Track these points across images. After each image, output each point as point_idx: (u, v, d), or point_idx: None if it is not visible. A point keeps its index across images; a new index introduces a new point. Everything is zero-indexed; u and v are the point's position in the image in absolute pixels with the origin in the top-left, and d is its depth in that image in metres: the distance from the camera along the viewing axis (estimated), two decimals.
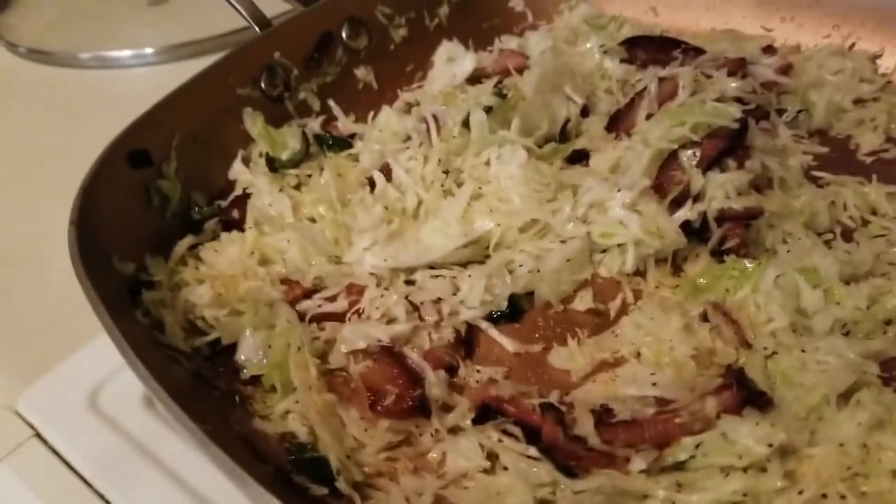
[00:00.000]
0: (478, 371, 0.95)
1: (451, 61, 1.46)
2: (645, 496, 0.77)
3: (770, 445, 0.77)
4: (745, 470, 0.77)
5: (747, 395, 0.83)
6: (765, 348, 0.93)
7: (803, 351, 0.91)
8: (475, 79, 1.40)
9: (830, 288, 0.96)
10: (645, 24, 1.56)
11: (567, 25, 1.55)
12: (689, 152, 1.11)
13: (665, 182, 1.10)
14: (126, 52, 1.79)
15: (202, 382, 0.90)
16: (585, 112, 1.31)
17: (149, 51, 1.78)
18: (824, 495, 0.76)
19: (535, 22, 1.63)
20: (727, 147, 1.11)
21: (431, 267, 1.06)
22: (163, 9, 2.01)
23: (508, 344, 0.99)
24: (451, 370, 0.95)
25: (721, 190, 1.07)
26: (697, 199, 1.08)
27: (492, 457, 0.83)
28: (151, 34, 1.83)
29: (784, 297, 0.96)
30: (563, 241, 1.07)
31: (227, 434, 0.80)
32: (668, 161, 1.12)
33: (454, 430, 0.87)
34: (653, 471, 0.78)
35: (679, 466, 0.79)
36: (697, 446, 0.78)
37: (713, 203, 1.06)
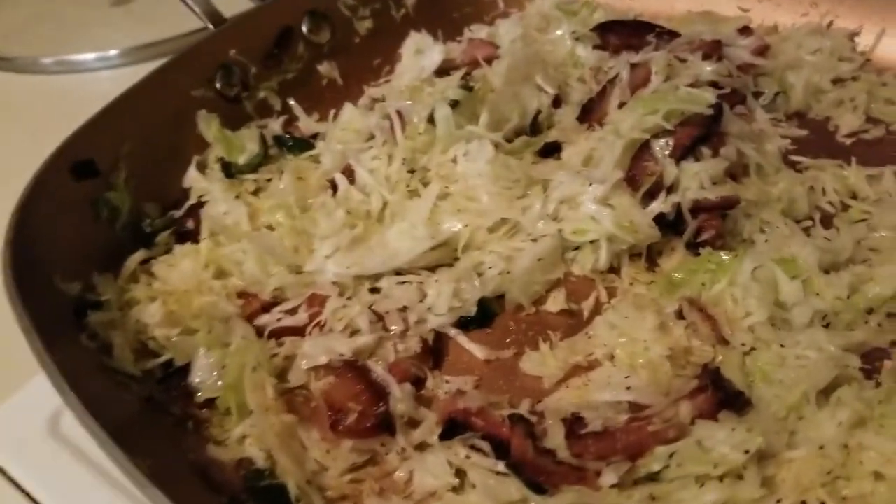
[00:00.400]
0: (447, 382, 0.92)
1: (420, 53, 1.41)
2: None
3: (746, 452, 0.74)
4: (721, 479, 0.74)
5: (724, 398, 0.81)
6: (742, 344, 0.90)
7: (782, 346, 0.89)
8: (444, 71, 1.35)
9: (810, 278, 0.94)
10: (618, 9, 1.52)
11: (539, 12, 1.50)
12: (662, 141, 1.07)
13: (638, 174, 1.07)
14: (90, 56, 1.73)
15: (153, 408, 0.87)
16: (558, 102, 1.27)
17: (113, 53, 1.72)
18: (804, 502, 0.74)
19: (507, 9, 1.58)
20: (701, 135, 1.08)
21: (398, 273, 1.03)
22: (126, 9, 1.93)
23: (478, 351, 0.96)
24: (419, 382, 0.92)
25: (695, 180, 1.04)
26: (671, 190, 1.04)
27: (460, 474, 0.80)
28: (115, 35, 1.77)
29: (762, 290, 0.93)
30: (533, 240, 1.03)
31: (178, 465, 0.77)
32: (641, 151, 1.08)
33: (421, 447, 0.84)
34: (625, 484, 0.75)
35: (653, 478, 0.76)
36: (671, 456, 0.76)
37: (687, 194, 1.03)
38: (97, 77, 1.72)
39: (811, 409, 0.81)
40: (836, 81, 1.31)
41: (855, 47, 1.38)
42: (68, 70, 1.74)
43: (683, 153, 1.06)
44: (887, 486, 0.74)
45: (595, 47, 1.36)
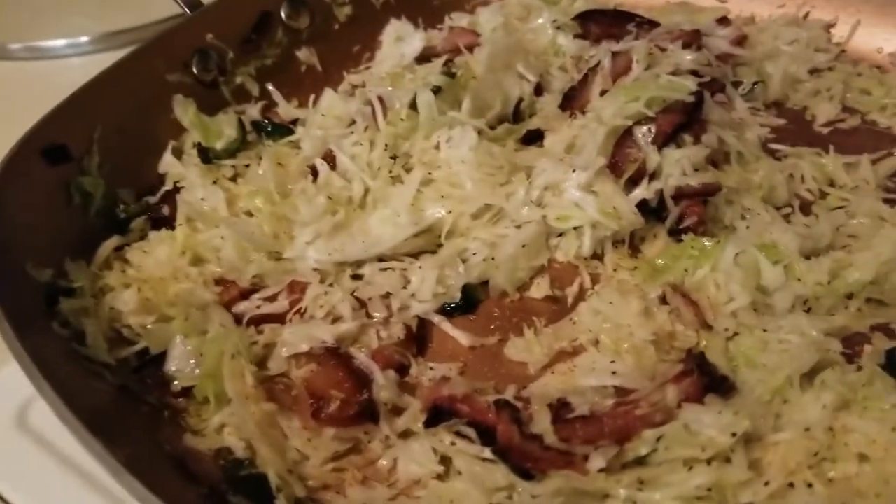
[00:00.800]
0: (431, 369, 0.91)
1: (400, 41, 1.40)
2: (606, 496, 0.73)
3: (734, 435, 0.74)
4: (708, 462, 0.74)
5: (709, 382, 0.81)
6: (726, 329, 0.91)
7: (765, 331, 0.89)
8: (425, 58, 1.35)
9: (791, 264, 0.94)
10: None
11: (519, 1, 1.49)
12: (645, 128, 1.07)
13: (621, 160, 1.07)
14: (60, 42, 1.69)
15: (128, 398, 0.85)
16: (539, 90, 1.27)
17: (84, 39, 1.69)
18: (791, 484, 0.74)
19: None
20: (683, 122, 1.08)
21: (381, 259, 1.02)
22: None
23: (463, 338, 0.95)
24: (403, 369, 0.91)
25: (677, 167, 1.04)
26: (654, 176, 1.04)
27: (445, 461, 0.79)
28: (87, 22, 1.74)
29: (744, 275, 0.94)
30: (517, 227, 1.03)
31: (155, 455, 0.75)
32: (624, 138, 1.08)
33: (405, 435, 0.83)
34: (613, 468, 0.75)
35: (641, 461, 0.76)
36: (659, 439, 0.75)
37: (670, 180, 1.03)
38: (67, 64, 1.68)
39: (795, 392, 0.82)
40: (813, 72, 1.33)
41: (830, 38, 1.39)
42: (38, 56, 1.70)
43: (665, 140, 1.06)
44: (872, 468, 0.74)
45: (576, 36, 1.35)
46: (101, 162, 1.07)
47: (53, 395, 0.67)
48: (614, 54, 1.22)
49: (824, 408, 0.79)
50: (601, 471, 0.73)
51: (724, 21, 1.41)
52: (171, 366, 0.88)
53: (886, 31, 1.37)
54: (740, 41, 1.36)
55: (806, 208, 1.07)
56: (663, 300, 0.95)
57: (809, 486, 0.73)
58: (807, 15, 1.43)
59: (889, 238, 0.97)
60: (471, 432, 0.79)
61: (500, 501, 0.75)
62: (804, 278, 0.93)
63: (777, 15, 1.45)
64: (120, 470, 0.60)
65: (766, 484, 0.73)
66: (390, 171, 1.09)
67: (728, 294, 0.93)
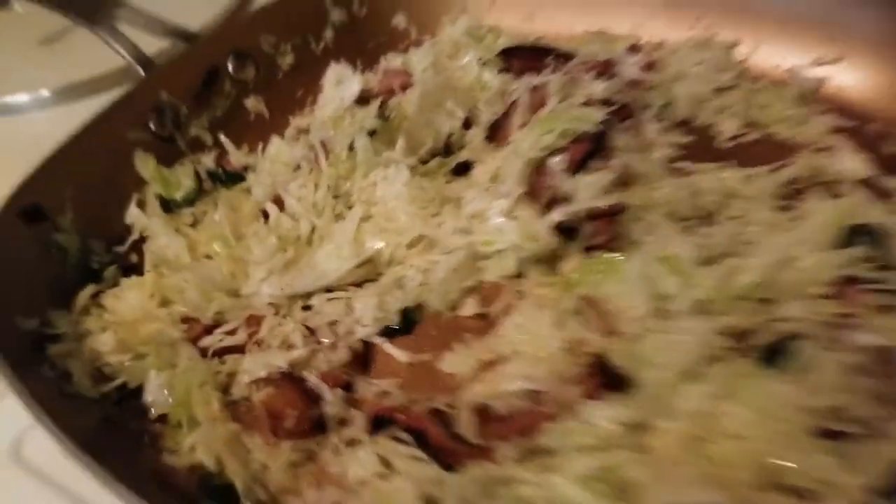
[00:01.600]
0: (374, 385, 1.02)
1: (340, 84, 1.46)
2: (515, 481, 0.86)
3: (623, 424, 0.87)
4: (601, 448, 0.86)
5: (608, 381, 0.93)
6: (630, 334, 1.01)
7: (664, 333, 0.99)
8: (364, 99, 1.41)
9: (688, 272, 1.05)
10: (521, 33, 1.60)
11: (450, 39, 1.57)
12: (558, 158, 1.19)
13: (538, 188, 1.18)
14: (22, 97, 1.69)
15: (112, 426, 0.95)
16: (468, 124, 1.36)
17: (45, 93, 1.68)
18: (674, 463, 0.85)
19: (420, 37, 1.64)
20: (591, 150, 1.19)
21: (328, 290, 1.12)
22: (54, 47, 1.87)
23: (402, 356, 1.05)
24: (349, 387, 1.01)
25: (588, 190, 1.15)
26: (568, 200, 1.15)
27: (387, 463, 0.91)
28: (46, 75, 1.73)
29: (647, 286, 1.05)
30: (448, 253, 1.13)
31: (138, 471, 0.87)
32: (540, 167, 1.20)
33: (352, 443, 0.94)
34: (523, 458, 0.87)
35: (545, 451, 0.88)
36: (560, 432, 0.88)
37: (582, 204, 1.14)
38: (30, 118, 1.68)
39: (685, 386, 0.92)
40: (718, 90, 1.42)
41: (733, 58, 1.49)
42: (1, 112, 1.70)
43: (577, 167, 1.17)
44: (748, 445, 0.85)
45: (500, 71, 1.43)
46: (73, 218, 1.14)
47: (50, 421, 0.78)
48: (532, 88, 1.32)
49: (708, 397, 0.90)
50: (512, 462, 0.87)
51: (635, 48, 1.51)
52: (148, 397, 0.98)
53: (783, 49, 1.47)
54: (650, 66, 1.46)
55: (707, 220, 1.16)
56: (577, 311, 1.05)
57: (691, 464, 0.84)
58: (712, 37, 1.51)
59: (777, 243, 1.07)
60: (408, 437, 0.92)
61: (431, 493, 0.87)
62: (700, 284, 1.03)
63: (686, 38, 1.53)
64: (111, 480, 0.72)
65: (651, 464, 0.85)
66: (333, 210, 1.18)
67: (632, 302, 1.03)
